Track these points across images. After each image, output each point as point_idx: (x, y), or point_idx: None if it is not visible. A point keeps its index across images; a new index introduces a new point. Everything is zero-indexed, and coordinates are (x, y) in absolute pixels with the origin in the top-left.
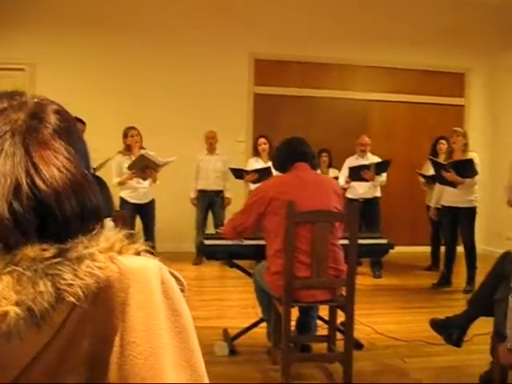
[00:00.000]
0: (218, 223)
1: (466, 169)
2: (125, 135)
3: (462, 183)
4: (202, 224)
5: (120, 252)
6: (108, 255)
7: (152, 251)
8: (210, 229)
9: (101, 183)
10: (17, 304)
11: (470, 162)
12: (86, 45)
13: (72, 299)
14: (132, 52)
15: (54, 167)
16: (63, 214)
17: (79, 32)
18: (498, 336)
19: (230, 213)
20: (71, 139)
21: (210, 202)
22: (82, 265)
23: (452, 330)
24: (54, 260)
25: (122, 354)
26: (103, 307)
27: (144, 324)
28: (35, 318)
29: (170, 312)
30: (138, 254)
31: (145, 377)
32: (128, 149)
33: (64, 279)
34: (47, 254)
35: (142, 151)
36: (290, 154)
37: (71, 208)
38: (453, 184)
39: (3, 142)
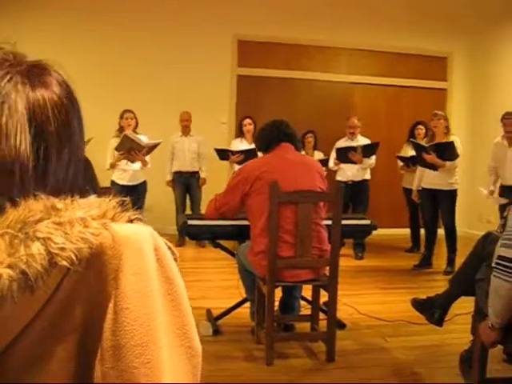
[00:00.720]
0: (195, 204)
1: (447, 151)
2: (120, 117)
3: (442, 166)
4: (181, 205)
5: (113, 219)
6: (101, 222)
7: (144, 219)
8: (189, 210)
9: (85, 161)
10: (10, 267)
11: (451, 144)
12: (67, 24)
13: (65, 263)
14: (111, 32)
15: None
16: (60, 157)
17: (59, 10)
18: (479, 315)
19: (206, 194)
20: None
21: (186, 183)
22: (74, 229)
23: (434, 310)
24: (44, 223)
25: (115, 321)
26: (96, 274)
27: (138, 290)
28: (29, 281)
29: (163, 279)
30: (130, 221)
31: (139, 343)
32: (121, 130)
33: (55, 243)
34: (37, 216)
35: (126, 131)
36: (274, 135)
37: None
38: (434, 167)
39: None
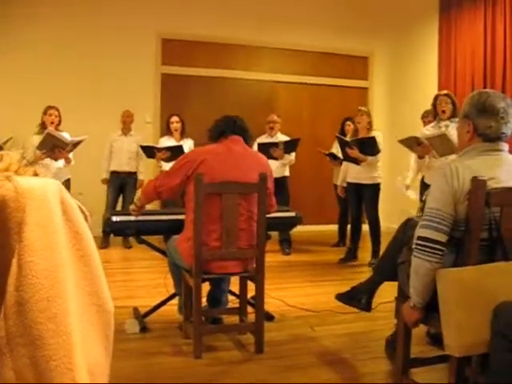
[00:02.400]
0: (127, 205)
1: (369, 146)
2: (44, 112)
3: (364, 160)
4: (112, 205)
5: (17, 172)
6: (3, 174)
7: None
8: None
9: None
10: None
11: (373, 139)
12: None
13: None
14: (40, 31)
15: None
16: None
17: None
18: (402, 297)
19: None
20: None
21: (121, 183)
22: None
23: (360, 296)
24: None
25: (19, 275)
26: None
27: (43, 243)
28: None
29: (71, 234)
30: (36, 175)
31: (45, 296)
32: (43, 126)
33: None
34: None
35: (48, 129)
36: (228, 126)
37: None
38: (356, 161)
39: None
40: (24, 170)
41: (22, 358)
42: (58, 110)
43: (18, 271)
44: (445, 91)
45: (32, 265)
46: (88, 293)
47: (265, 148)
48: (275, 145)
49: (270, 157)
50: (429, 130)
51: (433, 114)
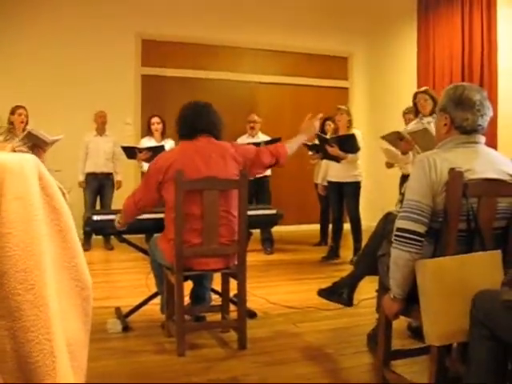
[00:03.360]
0: (106, 207)
1: (349, 144)
2: (11, 112)
3: (344, 158)
4: (90, 207)
5: None
6: None
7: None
8: None
9: None
10: None
11: (352, 137)
12: None
13: None
14: (17, 31)
15: None
16: None
17: None
18: (382, 289)
19: (118, 197)
20: None
21: (99, 184)
22: None
23: (342, 290)
24: None
25: None
26: None
27: (20, 215)
28: None
29: (49, 209)
30: (13, 152)
31: (22, 268)
32: (11, 127)
33: None
34: None
35: (29, 128)
36: (192, 127)
37: None
38: (336, 159)
39: None
40: (2, 145)
41: (0, 329)
42: (25, 109)
43: None
44: (423, 88)
45: (10, 237)
46: (66, 267)
47: None
48: (257, 145)
49: None
50: (412, 127)
51: (414, 112)
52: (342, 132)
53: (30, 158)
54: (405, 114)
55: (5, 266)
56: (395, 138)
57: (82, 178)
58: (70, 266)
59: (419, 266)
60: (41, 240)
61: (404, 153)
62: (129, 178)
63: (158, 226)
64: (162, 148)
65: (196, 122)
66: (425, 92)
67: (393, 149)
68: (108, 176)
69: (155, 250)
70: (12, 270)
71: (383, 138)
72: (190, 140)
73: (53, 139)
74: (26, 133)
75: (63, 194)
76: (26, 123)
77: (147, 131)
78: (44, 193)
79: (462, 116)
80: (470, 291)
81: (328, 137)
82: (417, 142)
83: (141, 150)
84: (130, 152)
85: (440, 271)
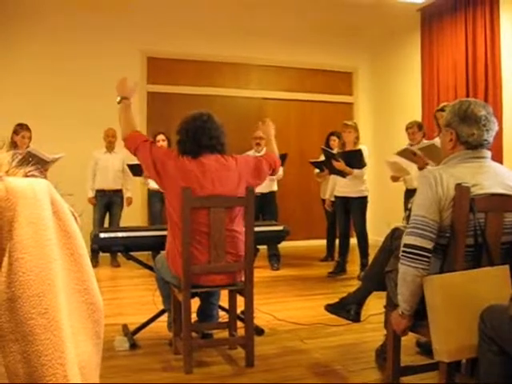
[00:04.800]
0: (114, 224)
1: (355, 159)
2: (15, 132)
3: (350, 173)
4: (98, 224)
5: (7, 173)
6: None
7: (42, 176)
8: None
9: None
10: None
11: (359, 152)
12: None
13: None
14: (24, 50)
15: None
16: None
17: None
18: (390, 305)
19: (127, 214)
20: None
21: (108, 201)
22: None
23: (349, 307)
24: None
25: (10, 272)
26: None
27: (33, 240)
28: None
29: (61, 233)
30: (26, 176)
31: (35, 292)
32: (14, 147)
33: None
34: None
35: (29, 148)
36: (195, 144)
37: None
38: (342, 173)
39: None
40: (15, 171)
41: (14, 353)
42: (29, 130)
43: (8, 269)
44: (441, 105)
45: (23, 261)
46: (78, 290)
47: None
48: None
49: None
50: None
51: (438, 130)
52: (348, 148)
53: (42, 183)
54: (408, 128)
55: (18, 291)
56: (409, 154)
57: (91, 194)
58: (82, 289)
59: (427, 282)
60: (54, 264)
61: (420, 168)
62: (136, 195)
63: (163, 242)
64: None
65: (199, 138)
66: (441, 110)
67: (402, 162)
68: (117, 193)
69: (161, 268)
70: (25, 294)
71: (398, 154)
72: (193, 158)
73: (53, 158)
74: (25, 152)
75: (75, 218)
76: (28, 144)
77: None
78: (56, 217)
79: (467, 131)
80: (478, 307)
81: (335, 152)
82: (428, 156)
83: None
84: (136, 169)
85: (448, 287)
